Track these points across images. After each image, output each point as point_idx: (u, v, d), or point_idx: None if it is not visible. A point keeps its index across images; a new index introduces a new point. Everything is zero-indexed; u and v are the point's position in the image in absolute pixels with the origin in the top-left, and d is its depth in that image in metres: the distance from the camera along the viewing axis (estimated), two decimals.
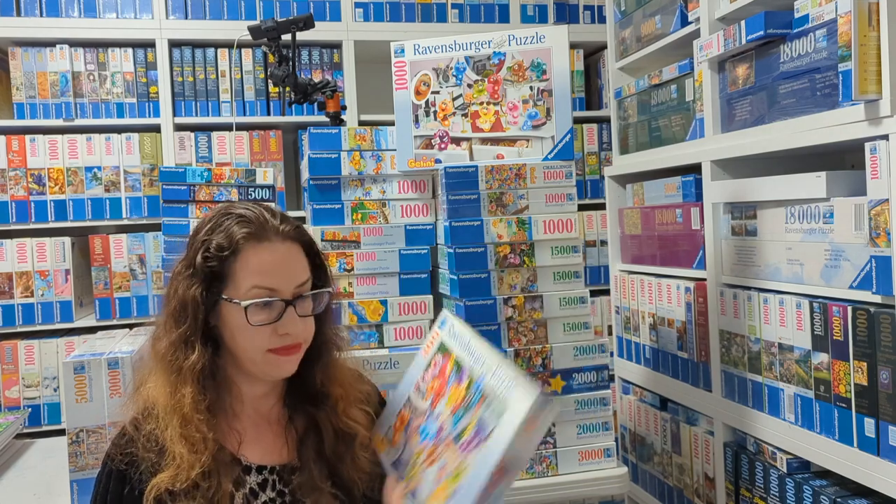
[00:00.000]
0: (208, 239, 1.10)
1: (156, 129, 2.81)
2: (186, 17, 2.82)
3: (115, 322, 2.70)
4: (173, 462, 1.05)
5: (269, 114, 2.90)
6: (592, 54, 3.25)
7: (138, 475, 1.07)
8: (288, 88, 2.08)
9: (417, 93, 1.79)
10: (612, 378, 2.30)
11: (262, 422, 1.18)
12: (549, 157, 1.74)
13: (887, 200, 1.40)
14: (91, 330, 2.64)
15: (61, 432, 1.63)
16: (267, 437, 1.18)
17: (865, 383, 1.48)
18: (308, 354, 1.17)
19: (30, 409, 2.60)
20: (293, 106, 2.52)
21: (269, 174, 1.91)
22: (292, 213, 2.86)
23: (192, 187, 1.86)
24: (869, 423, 1.48)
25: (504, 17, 3.04)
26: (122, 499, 1.09)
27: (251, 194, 1.88)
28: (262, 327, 1.08)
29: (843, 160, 1.86)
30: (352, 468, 1.17)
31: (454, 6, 3.01)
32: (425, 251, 1.79)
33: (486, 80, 1.77)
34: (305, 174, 1.84)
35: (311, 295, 1.13)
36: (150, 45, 2.80)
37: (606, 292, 2.88)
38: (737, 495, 1.92)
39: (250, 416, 1.17)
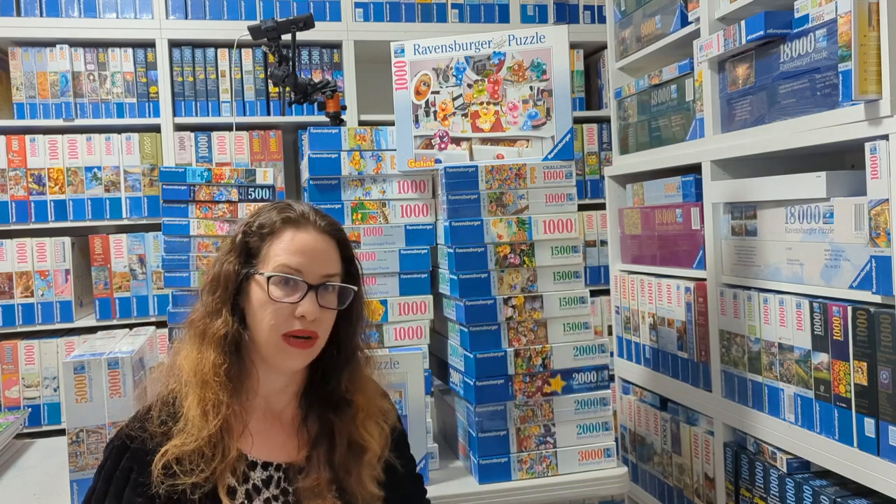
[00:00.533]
0: (252, 221, 1.17)
1: (156, 129, 2.81)
2: (186, 17, 2.82)
3: (115, 322, 2.70)
4: (184, 428, 1.08)
5: (269, 114, 2.90)
6: (592, 54, 3.25)
7: (143, 443, 1.09)
8: (288, 88, 2.08)
9: (417, 93, 1.79)
10: (612, 378, 2.30)
11: (273, 419, 1.19)
12: (549, 157, 1.74)
13: (887, 200, 1.40)
14: (91, 330, 2.64)
15: (61, 432, 1.63)
16: (277, 434, 1.18)
17: (865, 383, 1.48)
18: (336, 359, 1.20)
19: (30, 409, 2.60)
20: (293, 106, 2.52)
21: (269, 174, 1.91)
22: None
23: (192, 187, 1.86)
24: (869, 423, 1.48)
25: (504, 17, 3.04)
26: (120, 464, 1.10)
27: (251, 194, 1.88)
28: (281, 306, 1.12)
29: (843, 160, 1.86)
30: (356, 482, 1.17)
31: (454, 6, 3.01)
32: (425, 251, 1.79)
33: (486, 80, 1.77)
34: (305, 174, 1.84)
35: (335, 287, 1.16)
36: (150, 45, 2.80)
37: (606, 292, 2.88)
38: (737, 495, 1.92)
39: (261, 409, 1.18)
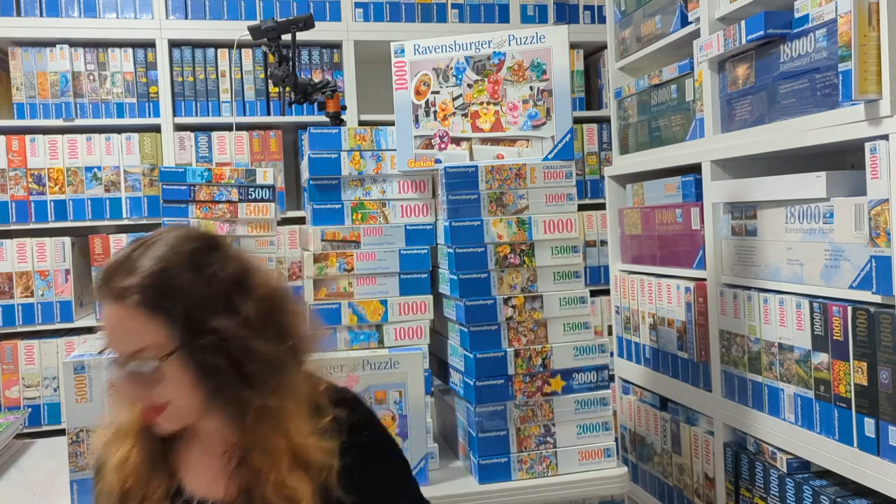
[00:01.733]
0: None
1: (156, 129, 2.81)
2: (186, 17, 2.82)
3: None
4: (117, 465, 1.07)
5: (269, 114, 2.90)
6: (592, 54, 3.25)
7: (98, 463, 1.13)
8: (288, 88, 2.08)
9: (417, 93, 1.79)
10: (612, 378, 2.30)
11: (214, 455, 1.08)
12: (549, 157, 1.74)
13: (887, 200, 1.40)
14: (91, 330, 2.64)
15: (61, 432, 1.63)
16: (212, 470, 1.08)
17: (865, 383, 1.48)
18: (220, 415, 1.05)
19: (30, 409, 2.60)
20: (293, 106, 2.51)
21: (269, 174, 1.91)
22: (292, 213, 2.86)
23: (192, 187, 1.86)
24: (869, 423, 1.48)
25: (504, 17, 3.04)
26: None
27: (251, 194, 1.88)
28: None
29: (844, 160, 1.86)
30: None
31: (454, 6, 3.01)
32: (425, 251, 1.79)
33: (486, 80, 1.77)
34: (305, 174, 1.84)
35: (137, 365, 0.98)
36: (150, 45, 2.80)
37: (606, 292, 2.88)
38: (737, 495, 1.92)
39: (202, 445, 1.10)
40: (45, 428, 2.62)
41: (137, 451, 1.05)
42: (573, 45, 3.07)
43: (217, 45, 2.85)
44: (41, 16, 2.71)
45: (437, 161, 1.78)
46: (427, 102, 1.78)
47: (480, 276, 1.65)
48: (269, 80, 2.87)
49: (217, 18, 2.83)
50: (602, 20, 3.03)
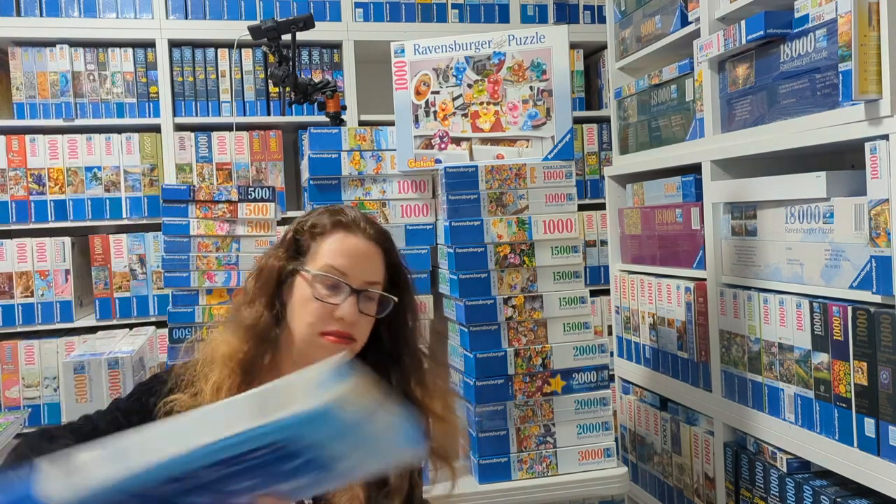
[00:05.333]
0: (305, 220, 1.21)
1: (156, 129, 2.81)
2: (186, 17, 2.81)
3: (115, 322, 2.70)
4: (195, 395, 1.10)
5: (269, 114, 2.89)
6: (592, 54, 3.25)
7: (154, 395, 1.12)
8: (288, 88, 2.08)
9: (417, 93, 1.79)
10: (612, 378, 2.30)
11: None
12: (549, 157, 1.74)
13: (887, 200, 1.40)
14: (91, 330, 2.64)
15: None
16: None
17: (865, 383, 1.48)
18: (389, 366, 1.21)
19: (30, 409, 2.60)
20: (293, 106, 2.52)
21: None
22: (292, 213, 2.86)
23: (192, 187, 1.86)
24: (869, 423, 1.48)
25: (504, 17, 3.04)
26: (133, 397, 1.14)
27: (251, 194, 1.88)
28: (321, 305, 1.13)
29: (844, 160, 1.86)
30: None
31: (454, 6, 3.01)
32: (425, 251, 1.79)
33: (486, 80, 1.77)
34: (305, 174, 1.84)
35: (377, 295, 1.18)
36: (150, 45, 2.80)
37: (606, 292, 2.88)
38: (737, 495, 1.92)
39: None
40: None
41: (233, 381, 1.10)
42: (573, 45, 3.07)
43: (217, 45, 2.85)
44: (41, 16, 2.71)
45: (437, 161, 1.78)
46: (427, 102, 1.79)
47: (480, 275, 1.65)
48: (269, 80, 2.87)
49: (217, 18, 2.83)
50: (602, 20, 3.03)
